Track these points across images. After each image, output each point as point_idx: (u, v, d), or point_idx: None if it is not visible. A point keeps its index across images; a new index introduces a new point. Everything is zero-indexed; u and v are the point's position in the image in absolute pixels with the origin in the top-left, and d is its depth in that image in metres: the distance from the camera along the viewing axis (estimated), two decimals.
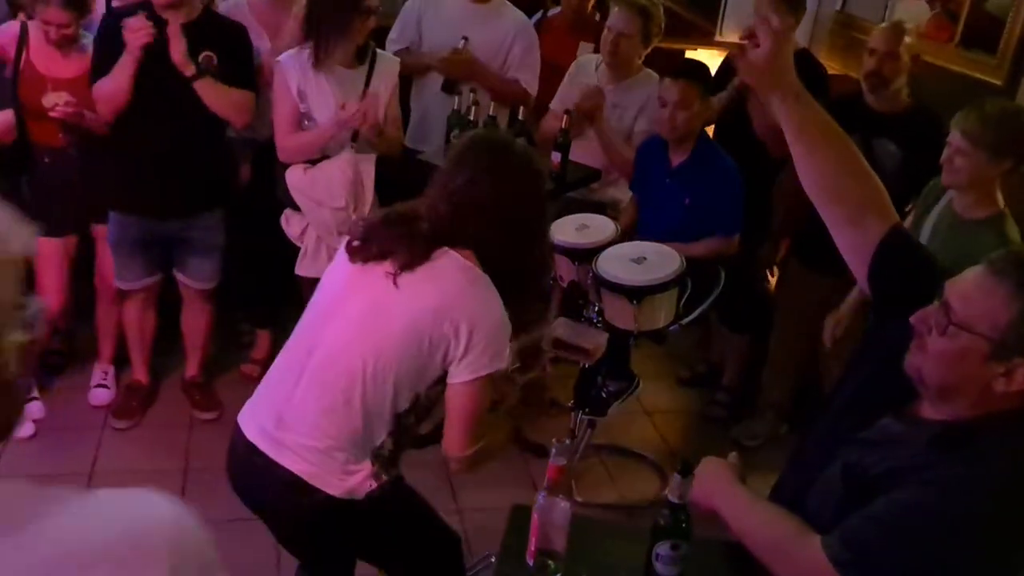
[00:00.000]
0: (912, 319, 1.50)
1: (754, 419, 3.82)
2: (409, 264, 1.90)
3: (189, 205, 3.32)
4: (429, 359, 1.91)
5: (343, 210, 3.21)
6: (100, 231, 3.44)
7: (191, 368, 3.72)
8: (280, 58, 3.19)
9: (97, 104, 3.14)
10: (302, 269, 3.38)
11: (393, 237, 1.95)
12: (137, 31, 2.99)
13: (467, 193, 1.93)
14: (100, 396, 3.65)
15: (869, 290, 1.70)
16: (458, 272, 1.92)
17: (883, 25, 3.46)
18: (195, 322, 3.64)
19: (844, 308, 3.12)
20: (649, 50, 3.85)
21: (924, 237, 2.78)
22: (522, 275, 2.01)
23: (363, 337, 1.92)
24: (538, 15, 4.61)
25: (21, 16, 3.29)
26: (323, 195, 3.22)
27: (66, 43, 3.14)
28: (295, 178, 3.24)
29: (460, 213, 1.93)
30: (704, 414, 3.99)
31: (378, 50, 3.25)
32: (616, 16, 3.73)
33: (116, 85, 3.07)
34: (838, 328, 3.11)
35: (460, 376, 1.92)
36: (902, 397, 1.57)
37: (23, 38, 3.16)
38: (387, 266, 1.92)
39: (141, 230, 3.33)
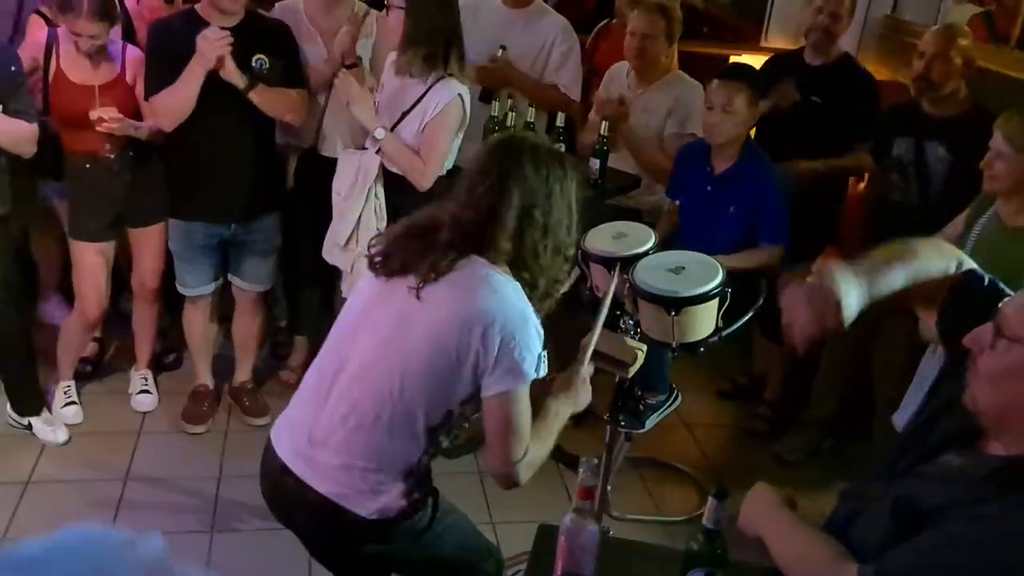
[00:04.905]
0: (965, 339, 1.41)
1: (796, 433, 3.71)
2: (431, 277, 1.85)
3: (251, 208, 3.36)
4: (459, 372, 1.85)
5: (338, 195, 3.20)
6: (137, 234, 3.45)
7: (242, 373, 3.72)
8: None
9: (157, 117, 3.16)
10: (325, 253, 3.37)
11: (414, 251, 1.90)
12: (214, 42, 3.00)
13: (491, 199, 1.87)
14: (145, 402, 3.66)
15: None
16: (481, 280, 1.86)
17: (934, 28, 3.36)
18: (248, 327, 3.64)
19: None
20: (672, 48, 3.80)
21: (969, 247, 2.68)
22: (551, 280, 1.94)
23: (391, 353, 1.88)
24: (603, 22, 4.58)
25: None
26: (337, 178, 3.22)
27: (96, 52, 3.14)
28: (341, 158, 3.27)
29: (484, 219, 1.87)
30: (745, 428, 3.90)
31: (451, 78, 3.08)
32: (638, 19, 3.69)
33: (183, 96, 3.08)
34: None
35: (493, 389, 1.85)
36: (968, 435, 1.49)
37: (51, 46, 3.16)
38: (410, 280, 1.88)
39: (206, 236, 3.37)
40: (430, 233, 1.92)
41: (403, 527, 1.96)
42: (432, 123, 3.06)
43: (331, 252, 3.28)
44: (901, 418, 2.81)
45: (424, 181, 3.12)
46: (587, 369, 2.10)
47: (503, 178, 1.88)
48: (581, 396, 2.07)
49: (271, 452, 2.02)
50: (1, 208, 3.14)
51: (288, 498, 1.99)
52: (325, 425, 1.94)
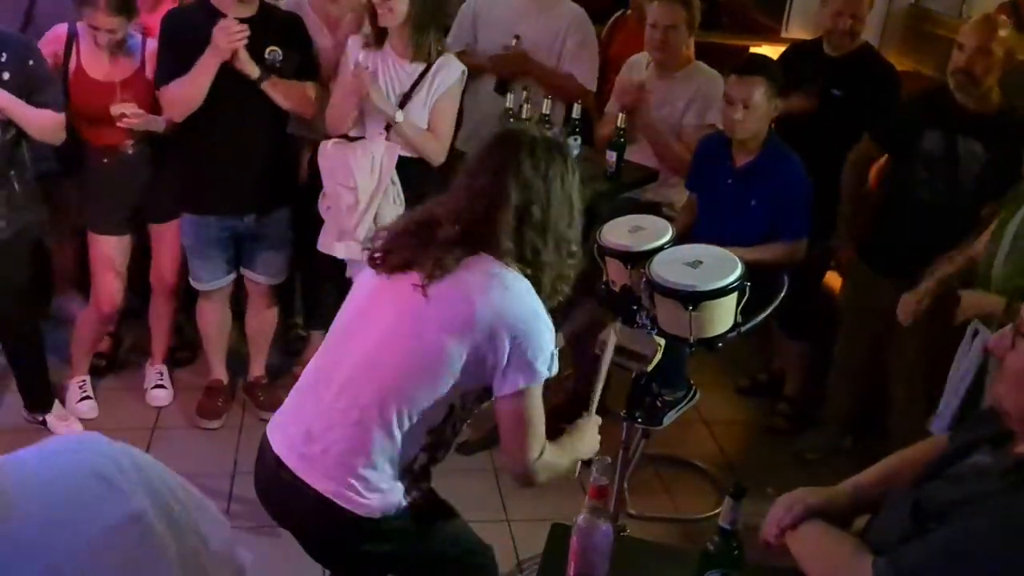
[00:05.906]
0: (988, 344, 1.41)
1: (817, 431, 3.66)
2: (436, 274, 1.81)
3: (264, 200, 3.34)
4: (467, 370, 1.81)
5: (352, 190, 3.15)
6: (157, 229, 3.45)
7: (256, 368, 3.71)
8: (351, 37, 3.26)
9: (167, 107, 3.15)
10: (320, 244, 3.33)
11: (416, 246, 1.87)
12: (232, 33, 2.98)
13: (487, 196, 1.84)
14: (160, 396, 3.65)
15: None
16: (488, 278, 1.82)
17: (974, 18, 3.24)
18: (261, 320, 3.63)
19: (925, 288, 2.88)
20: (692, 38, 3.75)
21: (1005, 245, 2.60)
22: (557, 277, 1.91)
23: (392, 352, 1.84)
24: (618, 13, 4.53)
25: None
26: (339, 170, 3.17)
27: (114, 47, 3.14)
28: (326, 149, 3.22)
29: (482, 216, 1.84)
30: (765, 425, 3.84)
31: (446, 55, 3.16)
32: (659, 10, 3.62)
33: (193, 87, 3.06)
34: (917, 306, 2.87)
35: (506, 388, 1.82)
36: (1000, 437, 1.48)
37: (71, 42, 3.16)
38: (413, 277, 1.84)
39: (219, 229, 3.35)
40: (430, 229, 1.88)
41: (400, 526, 1.93)
42: (442, 98, 3.14)
43: (341, 244, 3.25)
44: (938, 425, 2.74)
45: (439, 157, 3.19)
46: (596, 420, 2.10)
47: (499, 175, 1.85)
48: (588, 443, 2.07)
49: (266, 447, 1.99)
50: (32, 215, 3.16)
51: (282, 494, 1.96)
52: (324, 421, 1.90)
